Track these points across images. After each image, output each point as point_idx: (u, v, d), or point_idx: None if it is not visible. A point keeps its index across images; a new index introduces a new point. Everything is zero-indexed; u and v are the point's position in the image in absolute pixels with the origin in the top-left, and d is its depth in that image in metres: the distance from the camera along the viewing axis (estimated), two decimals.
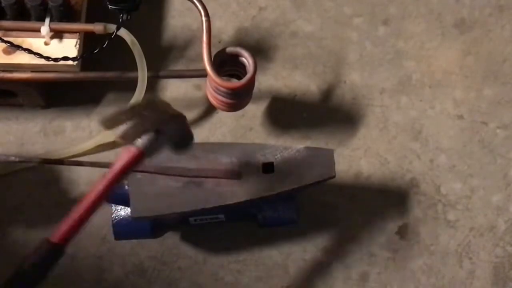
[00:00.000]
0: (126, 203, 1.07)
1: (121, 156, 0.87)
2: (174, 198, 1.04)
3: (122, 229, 1.12)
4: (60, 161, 1.20)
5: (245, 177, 1.06)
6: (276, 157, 1.07)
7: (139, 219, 1.06)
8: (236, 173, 1.05)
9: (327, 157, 1.09)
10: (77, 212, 0.85)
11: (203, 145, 1.11)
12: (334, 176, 1.09)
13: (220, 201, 1.04)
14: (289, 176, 1.06)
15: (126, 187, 1.06)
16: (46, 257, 0.83)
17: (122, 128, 0.87)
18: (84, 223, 0.85)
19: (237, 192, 1.05)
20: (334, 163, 1.08)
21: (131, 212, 1.03)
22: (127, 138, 0.86)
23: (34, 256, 0.83)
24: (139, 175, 1.04)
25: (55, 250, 0.83)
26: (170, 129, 0.90)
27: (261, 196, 1.05)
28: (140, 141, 0.86)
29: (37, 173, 1.26)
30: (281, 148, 1.08)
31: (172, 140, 0.92)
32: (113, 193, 1.07)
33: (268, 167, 1.06)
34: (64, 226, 0.84)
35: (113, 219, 1.11)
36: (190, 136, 0.96)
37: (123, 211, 1.11)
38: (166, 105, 0.93)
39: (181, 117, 0.93)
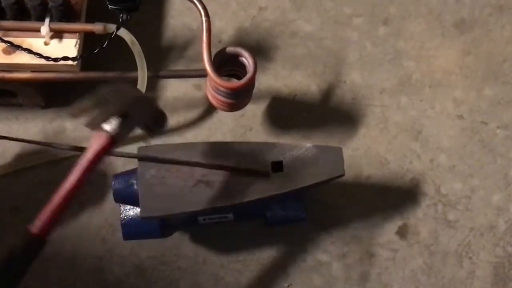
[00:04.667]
0: (135, 203, 1.07)
1: (92, 144, 0.88)
2: (184, 198, 1.03)
3: (131, 229, 1.12)
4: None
5: (255, 176, 1.05)
6: (285, 155, 1.07)
7: (149, 219, 1.06)
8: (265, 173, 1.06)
9: (336, 155, 1.09)
10: (54, 201, 0.86)
11: (211, 144, 1.10)
12: (343, 175, 1.08)
13: (229, 200, 1.04)
14: (298, 174, 1.06)
15: (135, 187, 1.06)
16: (28, 249, 0.84)
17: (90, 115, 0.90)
18: (63, 212, 0.86)
19: (246, 191, 1.04)
20: (343, 161, 1.08)
21: (141, 212, 1.03)
22: (94, 124, 0.88)
23: (15, 249, 0.83)
24: (147, 175, 1.04)
25: (37, 241, 0.84)
26: (137, 112, 0.92)
27: (270, 195, 1.05)
28: (109, 127, 0.88)
29: (37, 173, 1.26)
30: (289, 146, 1.08)
31: (142, 122, 0.94)
32: (121, 192, 1.07)
33: (277, 166, 1.06)
34: (43, 216, 0.85)
35: (121, 219, 1.11)
36: (162, 117, 0.97)
37: (131, 211, 1.11)
38: (132, 89, 0.96)
39: (147, 99, 0.96)
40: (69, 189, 0.86)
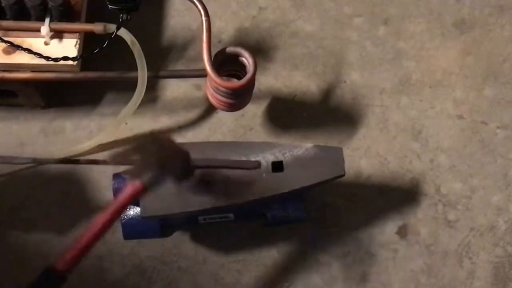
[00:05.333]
0: (135, 203, 1.07)
1: (126, 190, 0.91)
2: (184, 197, 1.03)
3: (132, 229, 1.11)
4: (76, 161, 1.21)
5: (255, 176, 1.05)
6: (285, 155, 1.07)
7: (149, 219, 1.05)
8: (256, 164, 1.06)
9: (336, 155, 1.08)
10: (82, 241, 0.89)
11: (212, 144, 1.10)
12: (343, 175, 1.08)
13: (229, 200, 1.04)
14: (298, 174, 1.06)
15: None
16: (50, 284, 0.87)
17: (129, 163, 0.93)
18: (88, 252, 0.89)
19: (246, 191, 1.04)
20: (343, 162, 1.08)
21: (141, 211, 1.03)
22: (134, 174, 0.91)
23: (39, 283, 0.86)
24: None
25: (59, 278, 0.87)
26: (173, 165, 0.94)
27: (270, 195, 1.05)
28: (145, 177, 0.91)
29: (37, 173, 1.26)
30: (290, 146, 1.08)
31: (175, 175, 0.96)
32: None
33: (277, 166, 1.06)
34: (69, 255, 0.88)
35: (122, 218, 1.11)
36: (191, 169, 1.00)
37: (132, 211, 1.11)
38: (170, 141, 0.97)
39: (185, 154, 0.97)
40: (97, 231, 0.90)
